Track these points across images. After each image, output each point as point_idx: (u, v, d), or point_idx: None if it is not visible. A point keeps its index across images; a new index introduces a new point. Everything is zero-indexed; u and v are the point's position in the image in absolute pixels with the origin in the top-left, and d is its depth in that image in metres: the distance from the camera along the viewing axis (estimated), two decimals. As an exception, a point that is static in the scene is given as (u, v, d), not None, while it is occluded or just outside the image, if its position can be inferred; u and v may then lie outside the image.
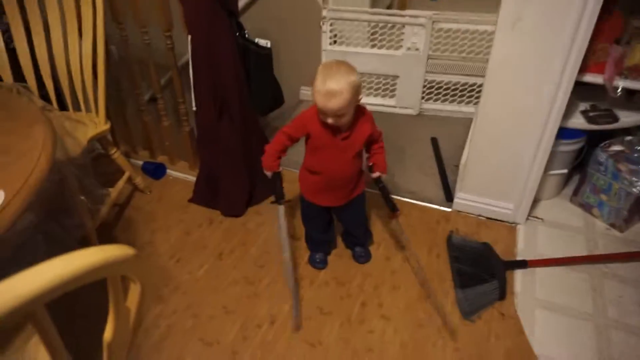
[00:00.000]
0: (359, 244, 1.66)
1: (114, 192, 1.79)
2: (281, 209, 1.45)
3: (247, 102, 1.74)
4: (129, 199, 1.99)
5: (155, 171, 2.09)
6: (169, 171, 2.13)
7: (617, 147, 1.73)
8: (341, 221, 1.61)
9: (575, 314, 1.46)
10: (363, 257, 1.65)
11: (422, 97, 2.51)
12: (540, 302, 1.50)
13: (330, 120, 1.25)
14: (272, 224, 1.83)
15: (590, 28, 1.38)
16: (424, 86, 2.46)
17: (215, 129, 1.75)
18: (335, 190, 1.48)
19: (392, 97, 2.55)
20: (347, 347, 1.38)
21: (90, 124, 1.69)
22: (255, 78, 1.70)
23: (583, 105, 1.74)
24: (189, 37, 1.59)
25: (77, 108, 1.75)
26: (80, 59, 1.64)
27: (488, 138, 1.68)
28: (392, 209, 1.49)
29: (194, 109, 1.74)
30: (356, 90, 1.25)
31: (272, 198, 1.50)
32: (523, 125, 1.61)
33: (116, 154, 1.81)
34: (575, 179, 1.98)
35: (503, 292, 1.51)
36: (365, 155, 1.48)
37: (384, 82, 2.51)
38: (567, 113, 1.61)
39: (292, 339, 1.40)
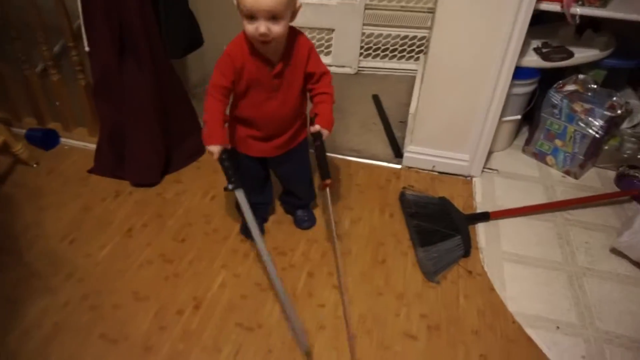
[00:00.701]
0: (301, 205, 1.40)
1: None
2: (240, 192, 1.12)
3: (156, 38, 1.40)
4: (8, 174, 1.57)
5: (45, 139, 1.69)
6: (62, 140, 1.73)
7: (571, 87, 1.61)
8: (279, 177, 1.34)
9: (544, 264, 1.31)
10: (307, 222, 1.39)
11: (360, 54, 2.28)
12: (507, 255, 1.33)
13: (261, 29, 0.97)
14: (195, 193, 1.51)
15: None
16: (362, 41, 2.24)
17: (116, 73, 1.39)
18: (271, 138, 1.21)
19: (327, 54, 2.30)
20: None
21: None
22: (165, 7, 1.37)
23: (535, 43, 1.60)
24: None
25: None
26: None
27: (441, 81, 1.49)
28: (324, 176, 1.19)
29: (87, 49, 1.37)
30: None
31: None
32: (479, 65, 1.43)
33: (-18, 112, 1.40)
34: (524, 130, 1.86)
35: (468, 248, 1.32)
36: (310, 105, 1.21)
37: (317, 37, 2.25)
38: (521, 51, 1.45)
39: (223, 324, 1.12)
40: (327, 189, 1.22)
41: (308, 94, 1.21)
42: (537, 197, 1.56)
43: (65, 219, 1.40)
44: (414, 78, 1.98)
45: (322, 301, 1.18)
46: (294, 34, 1.10)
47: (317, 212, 1.45)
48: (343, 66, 2.31)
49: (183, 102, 1.60)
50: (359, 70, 2.32)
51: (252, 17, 0.98)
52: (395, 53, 2.29)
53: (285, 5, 0.98)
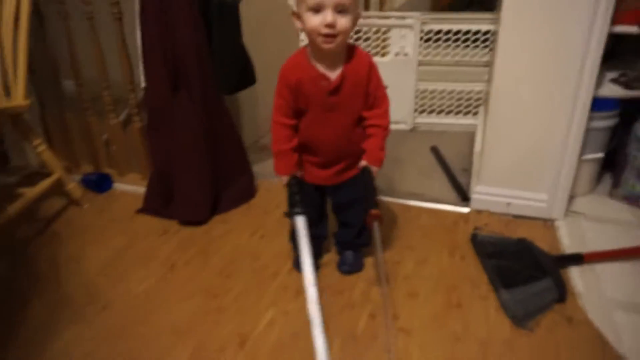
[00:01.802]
0: (353, 246, 1.23)
1: (31, 192, 1.36)
2: (300, 220, 1.04)
3: (208, 74, 1.40)
4: (59, 213, 1.54)
5: (99, 183, 1.68)
6: (116, 184, 1.72)
7: (661, 119, 1.44)
8: (335, 206, 1.21)
9: (667, 313, 1.05)
10: (347, 266, 1.21)
11: (415, 110, 2.23)
12: (617, 303, 1.09)
13: (328, 18, 0.92)
14: (242, 232, 1.40)
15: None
16: (416, 97, 2.20)
17: (169, 108, 1.39)
18: (329, 165, 1.13)
19: (381, 111, 2.26)
20: (355, 371, 0.92)
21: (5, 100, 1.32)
22: (219, 40, 1.38)
23: (610, 75, 1.48)
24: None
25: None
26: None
27: (507, 115, 1.38)
28: (369, 205, 1.04)
29: (143, 84, 1.39)
30: None
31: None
32: (548, 96, 1.32)
33: (41, 147, 1.42)
34: (606, 177, 1.66)
35: (563, 292, 1.09)
36: None
37: (371, 94, 2.24)
38: (597, 83, 1.33)
39: (270, 365, 0.94)
40: (376, 224, 1.05)
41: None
42: (637, 242, 1.32)
43: (107, 254, 1.31)
44: (472, 133, 1.89)
45: (388, 346, 0.98)
46: (353, 48, 1.05)
47: (369, 261, 1.27)
48: (398, 122, 2.25)
49: (234, 143, 1.56)
50: (414, 127, 2.26)
51: (317, 9, 0.93)
52: (452, 108, 2.23)
53: (353, 1, 0.95)
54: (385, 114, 1.10)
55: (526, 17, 1.26)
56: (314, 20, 0.94)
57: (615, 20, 1.28)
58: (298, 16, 0.98)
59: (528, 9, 1.25)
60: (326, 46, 0.96)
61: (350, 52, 1.04)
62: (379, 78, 1.08)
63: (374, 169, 1.09)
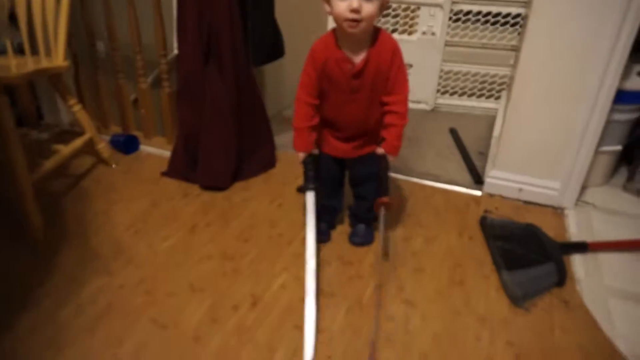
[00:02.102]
0: (365, 219, 1.28)
1: (65, 149, 1.44)
2: (310, 195, 1.13)
3: (240, 46, 1.44)
4: (89, 171, 1.63)
5: (126, 144, 1.75)
6: (142, 147, 1.79)
7: (684, 115, 1.43)
8: (352, 178, 1.27)
9: (664, 305, 1.09)
10: (359, 237, 1.27)
11: (438, 90, 2.24)
12: (613, 291, 1.13)
13: (354, 4, 0.95)
14: (262, 200, 1.47)
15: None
16: (440, 77, 2.20)
17: (199, 77, 1.43)
18: (351, 139, 1.19)
19: (403, 90, 2.27)
20: (358, 336, 0.99)
21: (45, 60, 1.38)
22: (254, 12, 1.41)
23: (638, 68, 1.46)
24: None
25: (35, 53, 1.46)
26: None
27: (530, 99, 1.38)
28: (381, 193, 1.11)
29: (175, 51, 1.44)
30: None
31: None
32: (574, 82, 1.32)
33: (76, 107, 1.49)
34: (623, 170, 1.66)
35: (563, 276, 1.14)
36: None
37: (394, 72, 2.25)
38: (623, 74, 1.33)
39: (280, 324, 1.01)
40: (382, 210, 1.11)
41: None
42: (645, 236, 1.34)
43: (133, 212, 1.40)
44: (493, 117, 1.89)
45: (390, 314, 1.05)
46: (378, 32, 1.07)
47: (387, 229, 1.33)
48: (419, 102, 2.27)
49: (259, 113, 1.61)
50: (435, 107, 2.27)
51: None
52: (475, 91, 2.22)
53: None
54: (405, 101, 1.12)
55: (558, 2, 1.25)
56: (341, 5, 0.97)
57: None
58: (327, 1, 1.01)
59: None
60: (351, 30, 0.99)
61: (375, 36, 1.06)
62: (401, 64, 1.10)
63: (390, 157, 1.14)
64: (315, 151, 1.19)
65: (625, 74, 1.40)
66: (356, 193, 1.29)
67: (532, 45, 1.33)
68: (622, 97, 1.38)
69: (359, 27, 0.99)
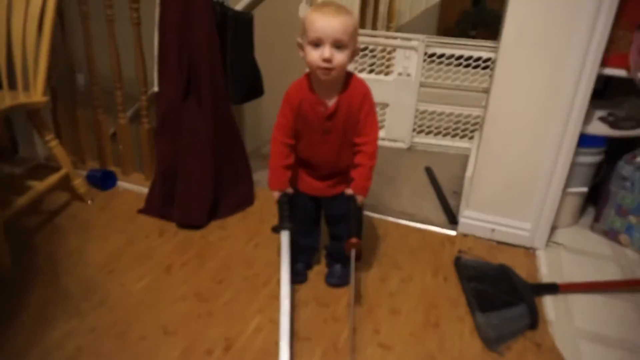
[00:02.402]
0: (341, 259, 1.28)
1: (40, 185, 1.42)
2: (285, 235, 1.14)
3: (220, 83, 1.47)
4: (64, 207, 1.61)
5: (103, 180, 1.74)
6: (120, 182, 1.78)
7: (644, 159, 1.51)
8: (328, 217, 1.28)
9: (630, 346, 1.12)
10: (336, 279, 1.27)
11: (414, 130, 2.30)
12: (583, 333, 1.15)
13: (326, 54, 1.00)
14: (238, 239, 1.47)
15: (613, 8, 1.23)
16: (416, 117, 2.27)
17: (179, 113, 1.45)
18: (325, 178, 1.21)
19: (380, 128, 2.33)
20: (332, 381, 0.98)
21: (23, 95, 1.38)
22: (232, 51, 1.45)
23: (600, 113, 1.55)
24: (158, -4, 1.37)
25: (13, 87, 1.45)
26: (25, 22, 1.38)
27: (500, 142, 1.44)
28: (351, 233, 1.12)
29: (156, 89, 1.45)
30: (357, 29, 1.06)
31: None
32: (540, 127, 1.39)
33: (53, 142, 1.48)
34: (590, 210, 1.72)
35: (535, 320, 1.16)
36: None
37: (372, 110, 2.31)
38: (585, 119, 1.40)
39: (254, 369, 1.00)
40: (353, 251, 1.12)
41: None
42: (612, 277, 1.38)
43: (107, 250, 1.38)
44: (467, 156, 1.95)
45: (366, 357, 1.04)
46: (350, 77, 1.12)
47: (364, 269, 1.34)
48: (396, 140, 2.32)
49: (238, 150, 1.63)
50: (411, 146, 2.32)
51: (317, 44, 1.02)
52: (449, 130, 2.29)
53: (350, 36, 1.02)
54: (373, 142, 1.15)
55: (523, 50, 1.32)
56: (313, 54, 1.02)
57: (606, 62, 1.36)
58: (301, 47, 1.06)
59: (526, 42, 1.31)
60: (323, 77, 1.04)
61: (347, 80, 1.11)
62: (371, 108, 1.14)
63: (359, 197, 1.16)
64: (290, 190, 1.20)
65: (588, 118, 1.48)
66: (332, 232, 1.30)
67: (500, 89, 1.40)
68: (585, 140, 1.45)
69: (331, 74, 1.04)
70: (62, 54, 1.69)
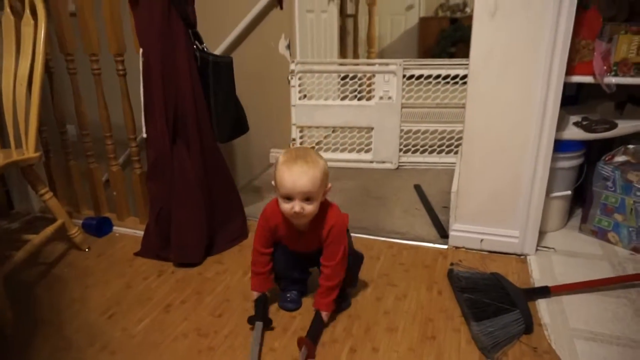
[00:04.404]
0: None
1: (36, 238, 1.46)
2: (259, 325, 1.19)
3: (206, 125, 1.53)
4: (62, 257, 1.64)
5: (98, 227, 1.78)
6: (115, 228, 1.82)
7: (621, 158, 1.56)
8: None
9: (627, 343, 1.13)
10: (343, 302, 1.30)
11: (400, 150, 2.36)
12: (578, 333, 1.17)
13: (296, 209, 1.10)
14: (235, 272, 1.50)
15: (570, 21, 1.30)
16: (401, 137, 2.33)
17: (168, 157, 1.50)
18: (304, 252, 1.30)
19: (367, 151, 2.39)
20: (334, 403, 0.99)
21: (16, 153, 1.43)
22: (215, 94, 1.51)
23: (574, 119, 1.61)
24: (141, 50, 1.44)
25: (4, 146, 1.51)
26: (14, 83, 1.45)
27: (479, 156, 1.49)
28: (308, 334, 1.15)
29: (144, 135, 1.51)
30: (326, 175, 1.15)
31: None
32: (515, 139, 1.44)
33: (47, 196, 1.52)
34: (578, 212, 1.76)
35: (530, 324, 1.18)
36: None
37: (358, 135, 2.38)
38: (560, 125, 1.46)
39: (257, 399, 1.01)
40: (303, 349, 1.11)
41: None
42: (604, 275, 1.41)
43: (107, 295, 1.40)
44: (454, 170, 1.99)
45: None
46: (325, 208, 1.19)
47: (360, 291, 1.37)
48: (384, 162, 2.38)
49: (228, 187, 1.67)
50: (399, 166, 2.38)
51: (288, 198, 1.11)
52: (435, 147, 2.35)
53: (318, 189, 1.12)
54: (336, 266, 1.19)
55: (492, 67, 1.39)
56: (285, 206, 1.13)
57: (572, 71, 1.42)
58: (275, 189, 1.15)
59: (493, 60, 1.38)
60: (296, 222, 1.17)
61: (322, 211, 1.18)
62: (335, 239, 1.18)
63: (324, 314, 1.21)
64: (267, 293, 1.29)
65: (563, 125, 1.54)
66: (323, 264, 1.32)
67: (474, 105, 1.45)
68: (563, 146, 1.51)
69: (302, 220, 1.15)
70: (52, 109, 1.76)
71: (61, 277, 1.51)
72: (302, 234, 1.21)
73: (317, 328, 1.18)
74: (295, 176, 1.08)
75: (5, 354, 1.17)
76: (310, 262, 1.30)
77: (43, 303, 1.38)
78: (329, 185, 1.17)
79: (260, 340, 1.15)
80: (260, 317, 1.20)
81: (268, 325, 1.21)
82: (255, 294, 1.27)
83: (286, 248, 1.27)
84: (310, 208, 1.11)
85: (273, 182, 1.16)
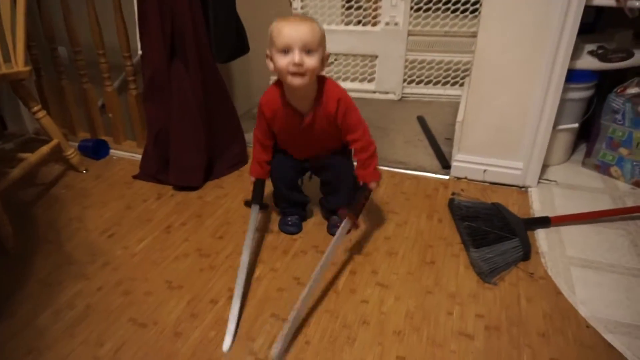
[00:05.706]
0: (338, 206, 1.31)
1: (32, 157, 1.42)
2: (255, 208, 1.20)
3: (205, 42, 1.45)
4: (59, 178, 1.62)
5: (96, 149, 1.74)
6: (113, 151, 1.78)
7: (633, 90, 1.51)
8: (322, 182, 1.31)
9: (621, 270, 1.15)
10: (336, 227, 1.28)
11: (404, 80, 2.28)
12: (574, 260, 1.19)
13: (296, 58, 1.00)
14: (236, 196, 1.49)
15: None
16: (406, 67, 2.25)
17: (165, 76, 1.44)
18: (305, 157, 1.28)
19: (371, 81, 2.32)
20: (334, 320, 1.02)
21: (5, 67, 1.36)
22: (215, 8, 1.42)
23: (589, 47, 1.53)
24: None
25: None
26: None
27: (488, 85, 1.44)
28: (349, 208, 1.14)
29: (139, 52, 1.43)
30: (324, 36, 1.05)
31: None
32: (527, 66, 1.38)
33: (40, 114, 1.47)
34: (582, 147, 1.74)
35: (527, 250, 1.19)
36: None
37: (361, 63, 2.29)
38: (575, 54, 1.39)
39: (258, 314, 1.04)
40: (343, 222, 1.13)
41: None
42: (604, 208, 1.41)
43: (106, 216, 1.40)
44: (458, 103, 1.94)
45: (365, 297, 1.08)
46: (323, 83, 1.11)
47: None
48: (387, 92, 2.31)
49: (228, 110, 1.62)
50: (402, 97, 2.31)
51: (286, 50, 1.01)
52: (440, 79, 2.28)
53: (319, 40, 1.03)
54: (364, 135, 1.16)
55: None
56: (282, 61, 1.02)
57: (592, -5, 1.34)
58: (270, 57, 1.06)
59: (510, -19, 1.29)
60: (295, 82, 1.03)
61: (321, 87, 1.11)
62: (347, 109, 1.13)
63: (372, 184, 1.17)
64: (266, 176, 1.26)
65: (577, 54, 1.47)
66: (322, 178, 1.30)
67: (487, 31, 1.38)
68: (574, 76, 1.45)
69: (302, 79, 1.03)
70: (41, 23, 1.66)
71: (59, 197, 1.50)
72: (308, 126, 1.14)
73: (359, 200, 1.16)
74: (294, 25, 1.01)
75: (7, 268, 1.18)
76: (309, 171, 1.28)
77: (41, 222, 1.37)
78: (327, 52, 1.08)
79: (255, 223, 1.19)
80: (258, 200, 1.22)
81: (264, 208, 1.27)
82: (253, 178, 1.26)
83: (284, 155, 1.24)
84: (310, 62, 1.01)
85: (267, 51, 1.07)
